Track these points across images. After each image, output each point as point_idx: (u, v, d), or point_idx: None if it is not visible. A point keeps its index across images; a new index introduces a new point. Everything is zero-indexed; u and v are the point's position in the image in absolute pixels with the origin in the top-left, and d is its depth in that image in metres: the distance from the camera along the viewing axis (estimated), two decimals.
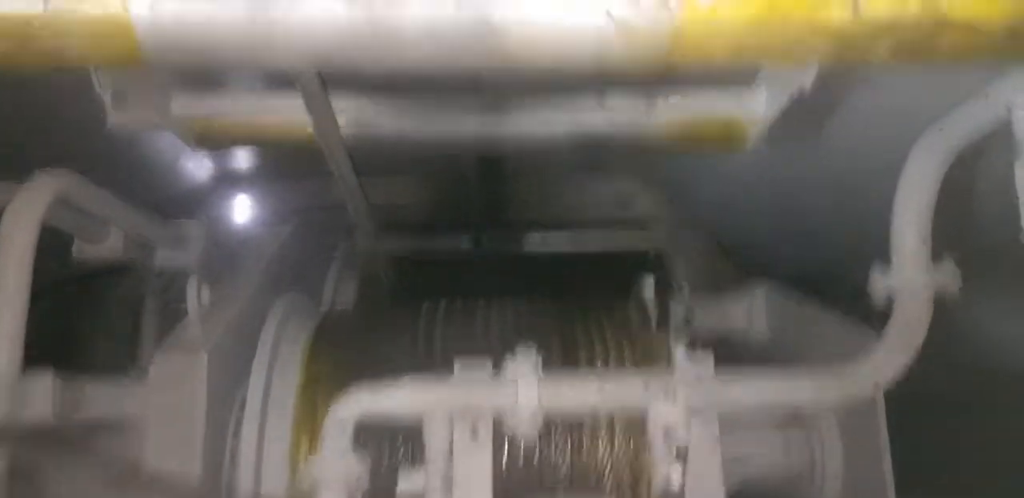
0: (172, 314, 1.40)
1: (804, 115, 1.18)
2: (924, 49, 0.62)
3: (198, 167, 1.88)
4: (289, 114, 1.19)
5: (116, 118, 1.16)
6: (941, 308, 1.11)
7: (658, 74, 0.57)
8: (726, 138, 1.23)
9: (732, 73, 1.19)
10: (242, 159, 1.89)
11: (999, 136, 0.98)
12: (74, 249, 1.23)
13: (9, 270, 0.91)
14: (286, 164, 1.90)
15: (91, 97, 1.17)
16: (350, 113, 1.17)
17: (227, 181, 1.95)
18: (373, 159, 1.19)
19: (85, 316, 1.67)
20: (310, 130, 1.12)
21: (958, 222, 1.14)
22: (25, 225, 0.92)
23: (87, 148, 1.30)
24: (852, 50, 0.57)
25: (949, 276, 1.11)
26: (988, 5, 0.56)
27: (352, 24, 0.54)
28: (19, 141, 1.29)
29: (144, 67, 0.55)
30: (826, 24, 0.55)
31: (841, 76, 1.12)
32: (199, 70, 1.25)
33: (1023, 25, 0.58)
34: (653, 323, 1.30)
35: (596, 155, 1.40)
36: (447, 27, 0.54)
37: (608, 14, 0.52)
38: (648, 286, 1.36)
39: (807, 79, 1.04)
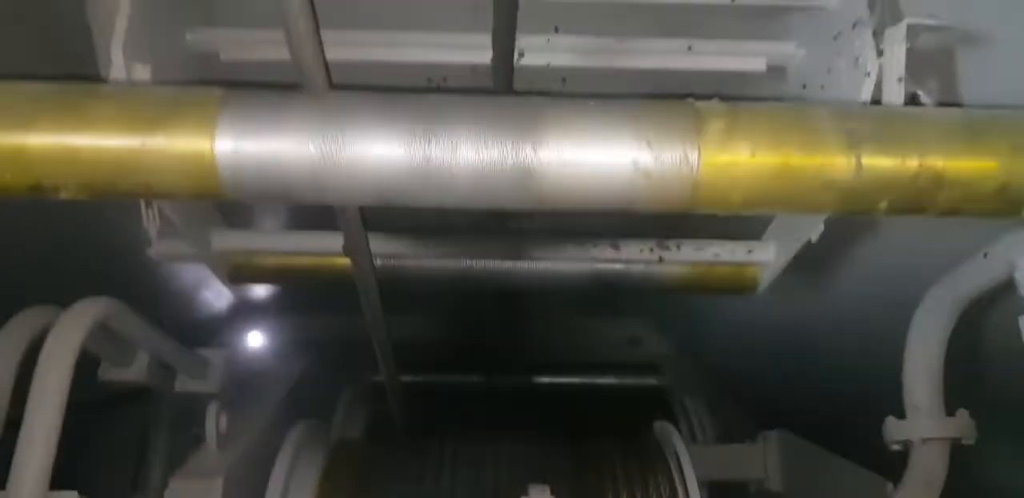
0: (188, 440, 1.40)
1: (813, 264, 1.25)
2: (921, 206, 0.68)
3: (221, 297, 1.94)
4: (320, 253, 1.27)
5: (158, 248, 1.23)
6: (957, 459, 1.11)
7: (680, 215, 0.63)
8: (736, 284, 1.29)
9: (743, 226, 1.27)
10: (264, 292, 1.96)
11: (1005, 291, 1.04)
12: (100, 371, 1.26)
13: (46, 395, 0.93)
14: (306, 298, 1.96)
15: (134, 225, 1.25)
16: (382, 251, 1.25)
17: (248, 311, 2.01)
18: (396, 296, 1.25)
19: (100, 436, 1.67)
20: (338, 269, 1.19)
21: (971, 372, 1.17)
22: (65, 350, 0.96)
23: (118, 271, 1.37)
24: (855, 204, 0.64)
25: (964, 427, 1.12)
26: (981, 165, 0.63)
27: (410, 167, 0.61)
28: (53, 260, 1.36)
29: (222, 200, 0.62)
30: (831, 180, 0.61)
31: (849, 229, 1.19)
32: (241, 207, 1.34)
33: (1014, 185, 0.64)
34: (668, 467, 1.29)
35: (609, 296, 1.46)
36: (492, 171, 0.61)
37: (635, 165, 0.59)
38: (662, 430, 1.37)
39: (815, 232, 1.12)
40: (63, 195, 0.62)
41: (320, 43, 0.71)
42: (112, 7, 1.09)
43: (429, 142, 0.61)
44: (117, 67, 0.96)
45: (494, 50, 0.83)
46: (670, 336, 2.19)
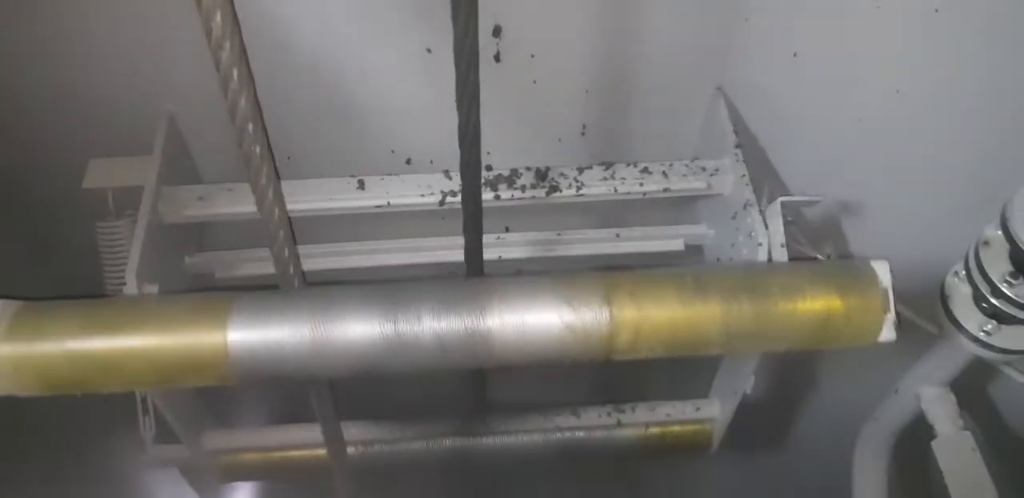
0: None
1: (757, 418, 1.36)
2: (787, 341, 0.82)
3: None
4: (305, 445, 1.36)
5: (154, 453, 1.31)
6: None
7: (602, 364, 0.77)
8: (692, 443, 1.39)
9: (690, 386, 1.40)
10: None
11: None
12: None
13: None
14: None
15: (129, 433, 1.34)
16: (355, 438, 1.34)
17: None
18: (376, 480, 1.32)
19: None
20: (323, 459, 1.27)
21: None
22: None
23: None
24: (739, 343, 0.78)
25: None
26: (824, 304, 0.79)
27: (384, 340, 0.75)
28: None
29: (229, 385, 0.75)
30: (714, 325, 0.77)
31: (785, 379, 1.33)
32: (226, 402, 1.44)
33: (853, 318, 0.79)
34: None
35: (571, 463, 1.54)
36: (451, 337, 0.76)
37: (562, 323, 0.74)
38: None
39: (747, 384, 1.25)
40: (107, 390, 0.75)
41: (298, 258, 0.88)
42: (125, 239, 1.29)
43: (396, 318, 0.76)
44: (130, 287, 1.13)
45: (466, 248, 1.02)
46: None
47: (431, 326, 0.75)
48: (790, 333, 0.77)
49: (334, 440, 1.07)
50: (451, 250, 1.39)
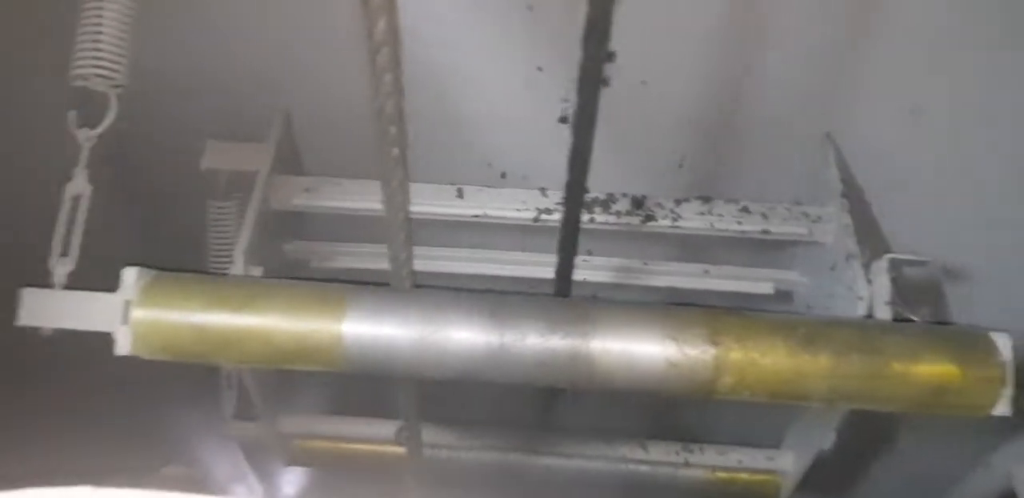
0: None
1: (828, 470, 1.33)
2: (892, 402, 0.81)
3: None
4: (378, 441, 1.39)
5: (232, 429, 1.35)
6: None
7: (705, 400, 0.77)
8: (758, 493, 1.37)
9: (759, 428, 1.38)
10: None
11: None
12: None
13: None
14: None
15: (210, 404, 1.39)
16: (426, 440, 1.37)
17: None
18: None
19: None
20: (389, 455, 1.30)
21: None
22: None
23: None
24: (839, 397, 0.78)
25: None
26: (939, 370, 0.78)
27: (488, 350, 0.77)
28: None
29: (342, 371, 0.78)
30: (818, 377, 0.76)
31: (863, 433, 1.30)
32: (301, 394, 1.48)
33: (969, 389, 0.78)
34: None
35: (630, 496, 1.53)
36: (552, 356, 0.77)
37: (664, 357, 0.75)
38: None
39: (827, 441, 1.22)
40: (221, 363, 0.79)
41: (411, 256, 0.91)
42: (232, 219, 1.34)
43: (503, 331, 0.78)
44: (236, 269, 1.18)
45: (558, 267, 1.03)
46: None
47: (536, 343, 0.77)
48: (899, 397, 0.76)
49: (413, 440, 1.09)
50: (537, 266, 1.41)
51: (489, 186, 1.41)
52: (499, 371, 0.78)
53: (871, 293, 1.10)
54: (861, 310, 1.10)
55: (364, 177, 1.40)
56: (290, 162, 1.44)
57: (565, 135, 1.42)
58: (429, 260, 1.44)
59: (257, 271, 1.19)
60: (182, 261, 1.29)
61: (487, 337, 0.77)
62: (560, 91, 1.44)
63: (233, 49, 1.35)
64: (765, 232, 1.27)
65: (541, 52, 1.31)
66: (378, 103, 0.76)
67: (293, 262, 1.42)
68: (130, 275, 0.81)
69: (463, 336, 0.77)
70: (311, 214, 1.46)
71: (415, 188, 1.33)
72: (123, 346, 0.79)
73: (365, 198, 1.33)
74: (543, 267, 1.40)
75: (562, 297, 0.97)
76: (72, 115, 1.02)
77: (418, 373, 0.78)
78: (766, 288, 1.35)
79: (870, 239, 1.24)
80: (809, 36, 1.23)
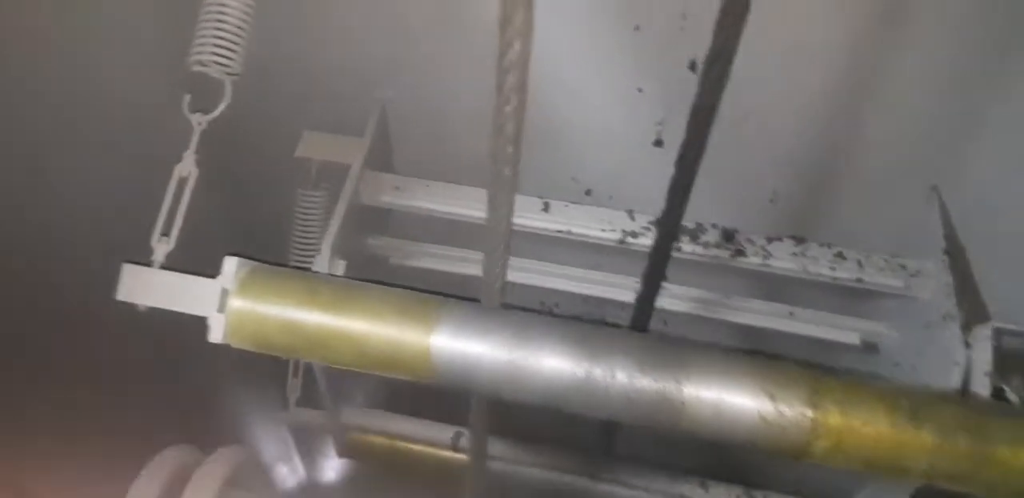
0: None
1: None
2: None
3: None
4: (433, 444, 1.39)
5: (296, 416, 1.37)
6: None
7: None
8: None
9: (829, 489, 1.33)
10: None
11: None
12: None
13: None
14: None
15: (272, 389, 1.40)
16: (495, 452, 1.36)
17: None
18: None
19: None
20: (445, 462, 1.30)
21: None
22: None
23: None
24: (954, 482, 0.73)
25: None
26: None
27: (574, 381, 0.76)
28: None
29: (426, 382, 0.78)
30: (917, 457, 0.72)
31: None
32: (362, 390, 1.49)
33: None
34: None
35: None
36: (640, 395, 0.75)
37: (759, 413, 0.73)
38: None
39: None
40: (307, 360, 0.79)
41: (505, 272, 0.90)
42: (319, 209, 1.36)
43: (592, 364, 0.76)
44: (322, 259, 1.19)
45: (640, 294, 1.01)
46: None
47: (625, 380, 0.75)
48: (1003, 484, 0.72)
49: (477, 450, 1.09)
50: (613, 288, 1.39)
51: (573, 202, 1.39)
52: (584, 404, 0.76)
53: (968, 359, 1.05)
54: (956, 376, 1.05)
55: (451, 180, 1.40)
56: (381, 158, 1.45)
57: (657, 158, 1.41)
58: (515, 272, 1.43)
59: (341, 264, 1.20)
60: (264, 245, 1.31)
61: (576, 368, 0.76)
62: (658, 114, 1.42)
63: (341, 35, 1.37)
64: (859, 281, 1.23)
65: (643, 73, 1.30)
66: (499, 122, 0.76)
67: (373, 257, 1.43)
68: (231, 264, 0.82)
69: (552, 364, 0.76)
70: (395, 211, 1.46)
71: None
72: (216, 334, 0.80)
73: (452, 202, 1.33)
74: (620, 290, 1.39)
75: (640, 327, 0.95)
76: (187, 99, 1.04)
77: (501, 394, 0.77)
78: (852, 338, 1.31)
79: (968, 300, 1.19)
80: (920, 88, 1.19)
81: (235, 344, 0.81)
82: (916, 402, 0.73)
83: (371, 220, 1.41)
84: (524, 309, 0.86)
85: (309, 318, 0.78)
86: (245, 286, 0.80)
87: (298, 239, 1.37)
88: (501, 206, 0.80)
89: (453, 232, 1.46)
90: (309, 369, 1.36)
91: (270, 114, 1.48)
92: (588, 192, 1.49)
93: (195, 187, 1.00)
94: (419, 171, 1.44)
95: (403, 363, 0.77)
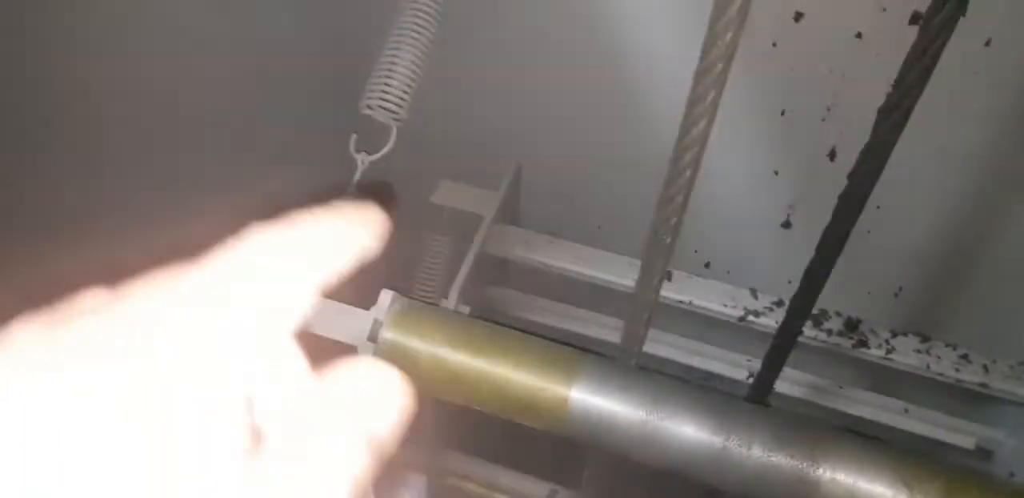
0: None
1: None
2: None
3: None
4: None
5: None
6: None
7: None
8: None
9: None
10: None
11: None
12: None
13: None
14: None
15: None
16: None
17: None
18: None
19: None
20: None
21: None
22: None
23: None
24: None
25: None
26: None
27: (710, 449, 0.77)
28: None
29: (557, 434, 0.80)
30: None
31: None
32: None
33: None
34: None
35: None
36: (773, 473, 0.75)
37: None
38: None
39: None
40: (443, 398, 0.83)
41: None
42: (444, 255, 1.42)
43: (729, 435, 0.77)
44: (449, 303, 1.24)
45: (760, 372, 1.02)
46: None
47: (761, 455, 0.75)
48: None
49: None
50: (727, 365, 1.39)
51: (693, 273, 1.41)
52: (716, 474, 0.77)
53: None
54: None
55: (573, 239, 1.45)
56: (510, 212, 1.51)
57: (783, 240, 1.42)
58: (614, 331, 1.45)
59: (465, 310, 1.24)
60: (388, 284, 1.37)
61: (713, 436, 0.77)
62: (789, 197, 1.44)
63: (482, 99, 1.45)
64: (983, 385, 1.20)
65: (783, 157, 1.32)
66: (669, 194, 0.79)
67: (491, 306, 1.47)
68: (386, 297, 0.87)
69: (690, 430, 0.77)
70: (518, 264, 1.51)
71: (626, 262, 1.38)
72: None
73: (576, 261, 1.37)
74: (731, 366, 1.39)
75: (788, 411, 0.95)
76: (354, 139, 1.11)
77: (631, 454, 0.78)
78: (967, 442, 1.27)
79: None
80: None
81: None
82: None
83: (493, 271, 1.46)
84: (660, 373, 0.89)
85: (455, 357, 0.82)
86: (397, 319, 0.85)
87: (422, 281, 1.42)
88: (654, 274, 0.83)
89: (568, 290, 1.49)
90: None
91: (411, 159, 1.57)
92: (707, 265, 1.51)
93: None
94: (545, 227, 1.49)
95: (540, 411, 0.79)
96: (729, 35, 0.59)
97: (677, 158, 0.76)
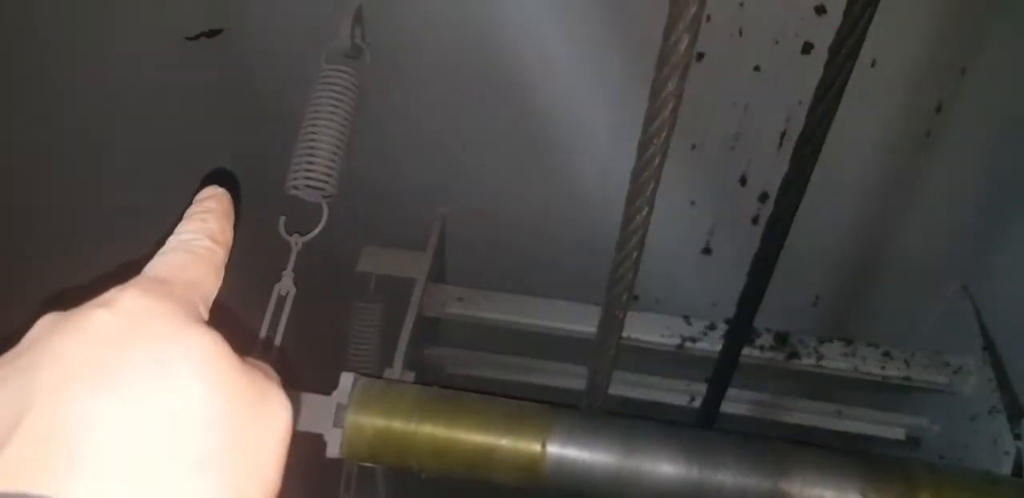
0: None
1: None
2: None
3: None
4: None
5: None
6: None
7: None
8: None
9: None
10: None
11: None
12: None
13: None
14: None
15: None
16: None
17: None
18: None
19: None
20: None
21: None
22: None
23: None
24: None
25: None
26: None
27: (685, 483, 0.80)
28: None
29: (537, 489, 0.81)
30: None
31: None
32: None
33: None
34: None
35: None
36: (748, 493, 0.80)
37: None
38: None
39: None
40: (419, 471, 0.83)
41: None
42: (375, 322, 1.41)
43: (702, 467, 0.81)
44: (394, 372, 1.24)
45: (706, 397, 1.07)
46: None
47: (733, 481, 0.79)
48: None
49: None
50: (669, 392, 1.43)
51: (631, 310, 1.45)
52: None
53: (1020, 449, 1.11)
54: (1007, 465, 1.10)
55: (502, 289, 1.46)
56: (436, 269, 1.52)
57: (705, 264, 1.48)
58: (555, 375, 1.47)
59: (410, 376, 1.25)
60: (320, 356, 1.35)
61: (687, 471, 0.80)
62: (707, 224, 1.51)
63: (396, 160, 1.45)
64: (907, 379, 1.29)
65: (697, 187, 1.39)
66: (623, 253, 0.82)
67: (429, 366, 1.48)
68: (347, 380, 0.87)
69: (666, 469, 0.81)
70: (448, 321, 1.52)
71: (558, 305, 1.41)
72: (333, 449, 0.84)
73: (513, 312, 1.39)
74: (673, 393, 1.43)
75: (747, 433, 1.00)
76: (283, 221, 1.11)
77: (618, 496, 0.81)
78: (898, 434, 1.35)
79: (1007, 393, 1.25)
80: (947, 202, 1.29)
81: (354, 459, 0.84)
82: (1012, 491, 0.78)
83: (429, 331, 1.46)
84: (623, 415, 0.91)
85: (424, 430, 0.83)
86: (360, 401, 0.85)
87: (355, 350, 1.41)
88: (612, 321, 0.86)
89: (505, 340, 1.51)
90: (363, 477, 1.37)
91: (330, 228, 1.56)
92: (636, 298, 1.56)
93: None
94: (472, 280, 1.50)
95: (517, 471, 0.81)
96: (668, 110, 0.62)
97: (630, 214, 0.79)
